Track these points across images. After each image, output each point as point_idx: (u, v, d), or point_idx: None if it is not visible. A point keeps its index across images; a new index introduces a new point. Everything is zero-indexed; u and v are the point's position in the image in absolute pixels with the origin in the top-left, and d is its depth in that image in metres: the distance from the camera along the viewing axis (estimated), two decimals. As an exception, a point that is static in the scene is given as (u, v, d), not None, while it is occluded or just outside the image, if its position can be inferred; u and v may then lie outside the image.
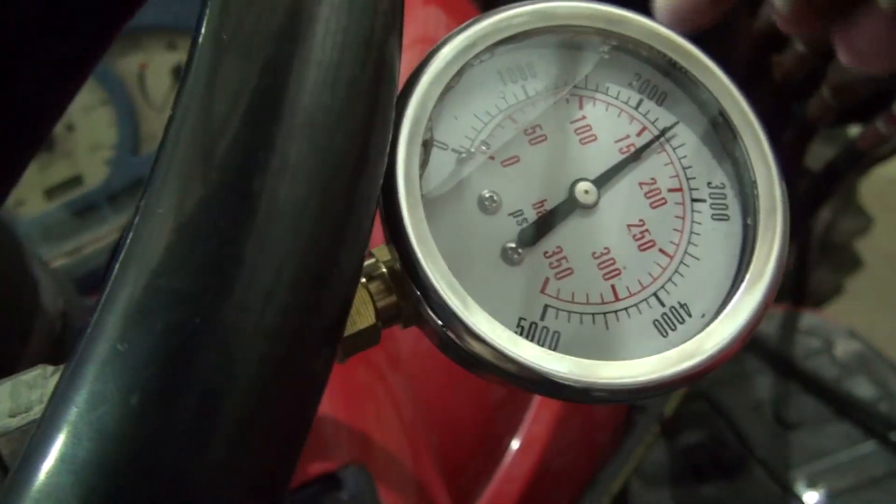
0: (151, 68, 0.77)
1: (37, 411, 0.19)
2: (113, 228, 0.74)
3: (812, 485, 1.21)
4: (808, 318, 1.46)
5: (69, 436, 0.14)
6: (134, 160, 0.76)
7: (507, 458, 0.93)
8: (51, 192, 0.74)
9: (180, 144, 0.17)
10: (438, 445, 0.85)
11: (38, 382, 0.20)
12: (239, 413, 0.15)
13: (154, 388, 0.14)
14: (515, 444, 0.94)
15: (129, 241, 0.16)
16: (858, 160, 0.79)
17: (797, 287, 1.56)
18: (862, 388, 1.31)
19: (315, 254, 0.16)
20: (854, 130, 0.90)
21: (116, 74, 0.77)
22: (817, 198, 0.89)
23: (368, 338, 0.22)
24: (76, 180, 0.75)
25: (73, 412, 0.15)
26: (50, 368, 0.21)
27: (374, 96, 0.18)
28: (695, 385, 1.16)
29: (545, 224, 0.22)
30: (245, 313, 0.15)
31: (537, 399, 0.98)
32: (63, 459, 0.14)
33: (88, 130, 0.80)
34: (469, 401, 0.93)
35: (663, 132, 0.24)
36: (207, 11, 0.18)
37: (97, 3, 0.29)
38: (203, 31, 0.18)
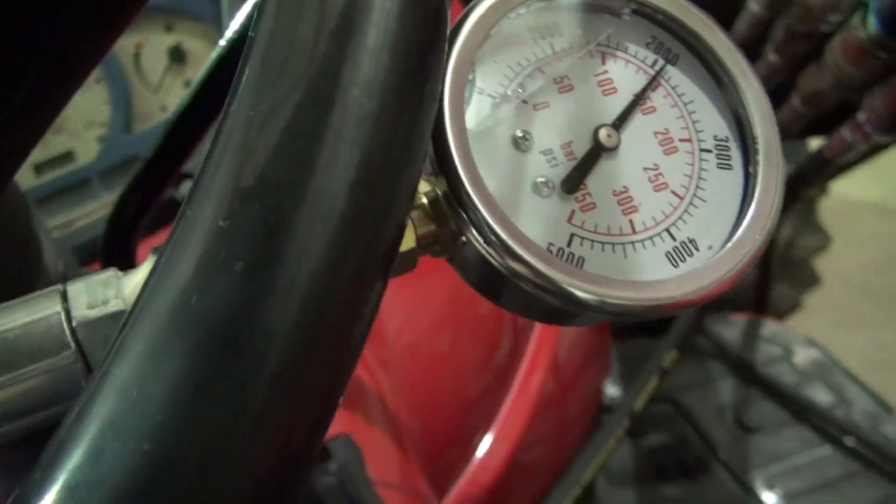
0: (148, 49, 0.77)
1: (113, 304, 0.21)
2: (104, 204, 0.75)
3: (770, 486, 1.25)
4: (769, 327, 1.52)
5: (180, 296, 0.16)
6: (126, 138, 0.76)
7: (482, 450, 0.95)
8: (41, 167, 0.74)
9: (262, 56, 0.19)
10: (416, 436, 0.87)
11: (111, 282, 0.21)
12: (321, 281, 0.17)
13: (256, 256, 0.16)
14: (489, 437, 0.96)
15: (220, 138, 0.18)
16: (824, 167, 0.83)
17: (759, 297, 1.61)
18: (819, 395, 1.36)
19: (381, 156, 0.18)
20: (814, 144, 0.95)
21: (112, 53, 0.78)
22: (784, 203, 0.93)
23: (407, 261, 0.24)
24: (68, 156, 0.75)
25: (180, 277, 0.16)
26: (120, 273, 0.22)
27: (432, 34, 0.21)
28: (660, 388, 1.19)
29: (583, 170, 0.25)
30: (326, 198, 0.17)
31: (512, 395, 1.00)
32: (176, 311, 0.16)
33: (82, 107, 0.80)
34: (446, 396, 0.95)
35: (659, 72, 0.27)
36: None
37: None
38: None
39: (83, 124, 0.75)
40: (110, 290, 0.21)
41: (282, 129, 0.17)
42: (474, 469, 0.94)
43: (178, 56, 0.78)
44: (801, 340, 1.48)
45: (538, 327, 1.06)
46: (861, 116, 0.72)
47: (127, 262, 0.58)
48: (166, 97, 0.78)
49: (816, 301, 1.87)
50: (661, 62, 0.27)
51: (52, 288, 0.21)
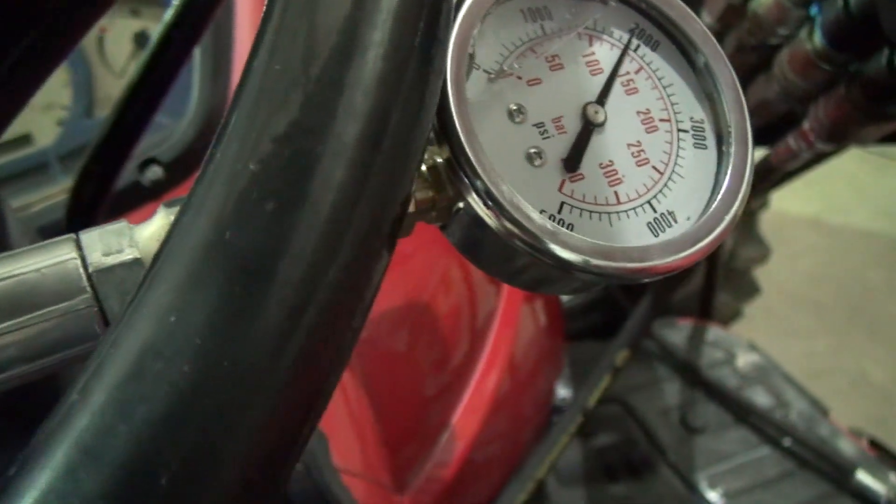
0: (112, 33, 0.76)
1: (128, 252, 0.21)
2: (64, 188, 0.73)
3: (713, 485, 1.29)
4: (713, 332, 1.57)
5: (215, 230, 0.17)
6: (87, 123, 0.74)
7: (440, 446, 0.95)
8: (-3, 149, 0.72)
9: (285, 13, 0.20)
10: (377, 431, 0.87)
11: (124, 232, 0.22)
12: (343, 218, 0.18)
13: (286, 196, 0.17)
14: (448, 434, 0.97)
15: (247, 89, 0.19)
16: (770, 174, 0.88)
17: (704, 303, 1.67)
18: (759, 397, 1.41)
19: (397, 110, 0.20)
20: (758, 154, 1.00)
21: (75, 36, 0.76)
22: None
23: (405, 227, 0.25)
24: (25, 139, 0.73)
25: (215, 213, 0.17)
26: (131, 224, 0.22)
27: (441, 6, 0.22)
28: (610, 389, 1.22)
29: (580, 147, 0.26)
30: (348, 145, 0.18)
31: (469, 393, 1.02)
32: (212, 244, 0.16)
33: (42, 89, 0.78)
34: (405, 393, 0.96)
35: (627, 44, 0.29)
36: None
37: None
38: None
39: (42, 107, 0.74)
40: (124, 240, 0.21)
41: (308, 80, 0.18)
42: (433, 464, 0.95)
43: (143, 42, 0.77)
44: (743, 345, 1.54)
45: (495, 327, 1.08)
46: (806, 125, 0.76)
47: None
48: (131, 83, 0.77)
49: (755, 310, 1.94)
50: (636, 43, 0.29)
51: (65, 236, 0.22)
